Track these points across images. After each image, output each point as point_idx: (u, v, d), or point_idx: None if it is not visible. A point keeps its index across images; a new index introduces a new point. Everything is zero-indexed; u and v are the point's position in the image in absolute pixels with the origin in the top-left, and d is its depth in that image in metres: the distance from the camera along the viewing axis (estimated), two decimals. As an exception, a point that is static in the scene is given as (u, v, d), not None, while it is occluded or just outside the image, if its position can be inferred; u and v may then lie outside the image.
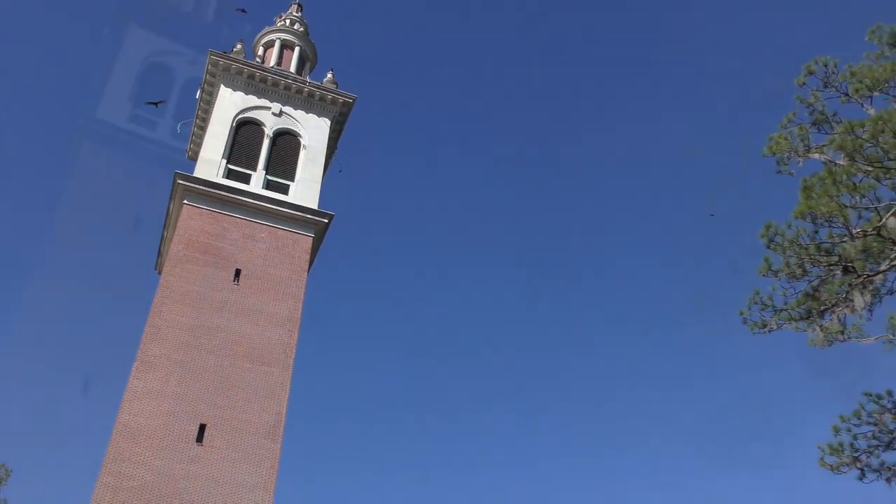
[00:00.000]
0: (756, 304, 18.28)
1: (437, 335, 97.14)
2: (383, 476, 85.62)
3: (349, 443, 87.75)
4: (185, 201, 32.12)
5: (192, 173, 33.14)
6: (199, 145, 37.36)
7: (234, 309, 29.77)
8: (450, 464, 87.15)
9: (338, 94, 38.28)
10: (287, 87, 37.44)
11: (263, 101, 36.98)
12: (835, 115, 22.77)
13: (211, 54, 36.51)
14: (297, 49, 41.78)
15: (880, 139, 18.36)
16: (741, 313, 18.51)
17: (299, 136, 36.80)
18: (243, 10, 40.58)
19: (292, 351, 29.44)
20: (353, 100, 38.56)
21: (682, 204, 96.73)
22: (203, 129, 38.03)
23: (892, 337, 17.92)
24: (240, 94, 36.76)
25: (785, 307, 17.96)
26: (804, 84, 23.08)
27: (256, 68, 37.38)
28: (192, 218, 31.78)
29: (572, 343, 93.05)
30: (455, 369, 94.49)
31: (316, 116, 37.74)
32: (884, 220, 17.64)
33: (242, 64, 36.89)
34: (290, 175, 35.40)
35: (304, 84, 37.86)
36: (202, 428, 26.52)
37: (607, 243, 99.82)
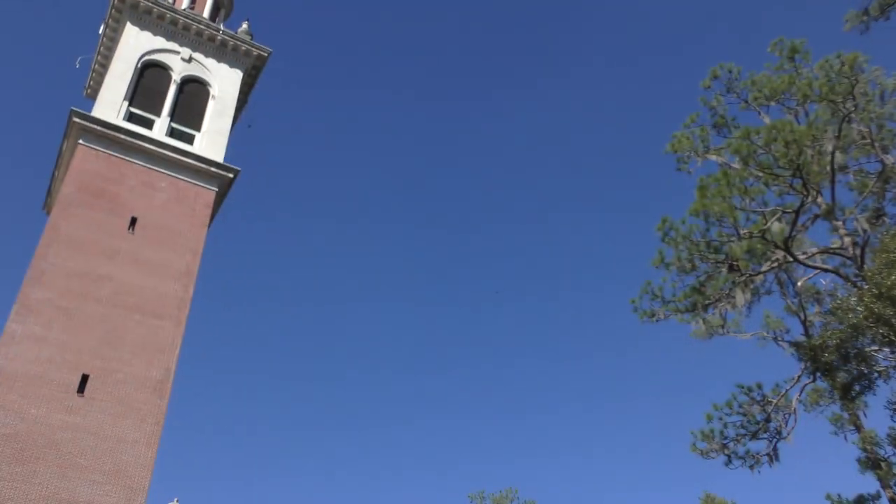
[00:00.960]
0: (647, 293, 19.17)
1: (335, 287, 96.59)
2: (272, 432, 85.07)
3: (240, 398, 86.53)
4: (81, 141, 30.50)
5: (90, 112, 31.45)
6: (100, 84, 35.48)
7: (128, 258, 28.62)
8: (343, 422, 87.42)
9: (252, 46, 37.05)
10: (199, 33, 35.94)
11: (172, 45, 35.35)
12: (734, 119, 23.95)
13: (118, -12, 34.56)
14: (212, -7, 40.08)
15: (772, 147, 19.52)
16: (633, 301, 19.38)
17: (209, 85, 35.47)
18: None
19: (186, 306, 28.61)
20: (268, 53, 37.47)
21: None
22: (105, 67, 36.12)
23: (765, 334, 19.23)
24: (147, 34, 35.00)
25: (673, 299, 18.91)
26: (709, 87, 24.15)
27: (167, 9, 35.65)
28: (87, 160, 30.22)
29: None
30: (348, 323, 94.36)
31: (228, 67, 36.44)
32: (769, 223, 18.82)
33: (151, 2, 35.11)
34: (197, 125, 34.12)
35: (218, 32, 36.43)
36: (84, 378, 25.50)
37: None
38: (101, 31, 36.42)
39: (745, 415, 18.78)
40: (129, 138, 31.15)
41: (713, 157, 22.67)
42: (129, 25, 34.72)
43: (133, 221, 29.66)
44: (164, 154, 31.69)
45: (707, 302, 18.59)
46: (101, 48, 36.61)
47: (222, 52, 36.46)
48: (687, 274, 18.85)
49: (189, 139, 33.45)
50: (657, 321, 18.96)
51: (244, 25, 38.31)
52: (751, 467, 18.61)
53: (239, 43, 36.68)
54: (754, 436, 18.66)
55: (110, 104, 32.15)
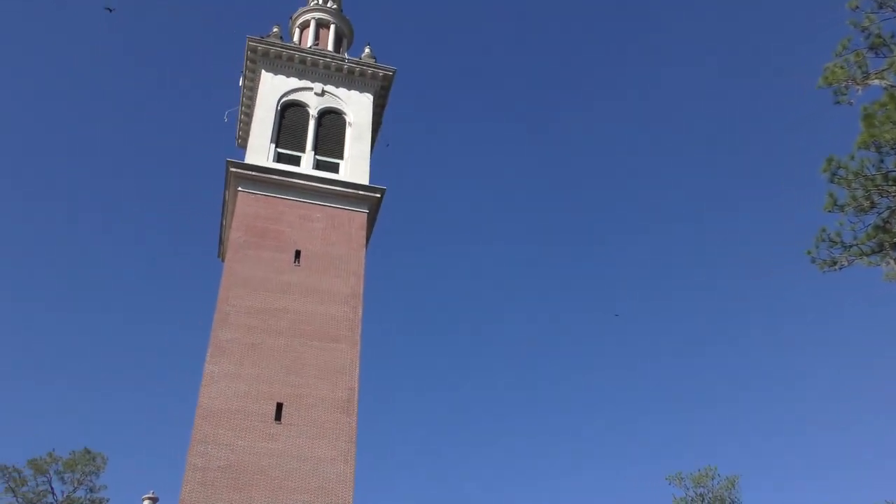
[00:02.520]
0: (824, 241, 17.77)
1: (492, 298, 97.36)
2: (454, 439, 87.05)
3: (419, 412, 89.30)
4: (240, 188, 32.73)
5: (243, 160, 33.71)
6: (248, 132, 37.91)
7: (298, 289, 30.40)
8: (511, 429, 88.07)
9: (377, 69, 38.23)
10: (327, 66, 37.56)
11: (305, 83, 37.21)
12: (892, 36, 21.76)
13: (249, 40, 36.79)
14: (332, 27, 41.82)
15: (945, 57, 17.56)
16: (809, 252, 18.03)
17: (344, 113, 37.00)
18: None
19: (358, 326, 29.96)
20: (393, 72, 38.48)
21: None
22: (249, 115, 38.55)
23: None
24: (281, 77, 37.04)
25: (854, 242, 17.42)
26: (857, 7, 22.10)
27: (295, 50, 37.55)
28: (248, 204, 32.41)
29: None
30: (510, 340, 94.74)
31: (358, 92, 37.84)
32: (954, 142, 16.93)
33: (281, 47, 37.10)
34: (339, 153, 35.71)
35: (343, 61, 37.90)
36: (279, 406, 27.32)
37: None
38: (240, 83, 38.95)
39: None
40: (281, 178, 33.11)
41: (875, 82, 20.66)
42: (264, 73, 36.90)
43: (297, 254, 31.46)
44: (315, 186, 33.39)
45: (895, 240, 16.99)
46: (244, 98, 39.13)
47: (351, 79, 37.88)
48: (866, 213, 17.26)
49: (334, 168, 35.04)
50: (840, 269, 17.56)
51: (367, 50, 39.59)
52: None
53: (364, 68, 37.97)
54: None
55: (259, 149, 34.31)
